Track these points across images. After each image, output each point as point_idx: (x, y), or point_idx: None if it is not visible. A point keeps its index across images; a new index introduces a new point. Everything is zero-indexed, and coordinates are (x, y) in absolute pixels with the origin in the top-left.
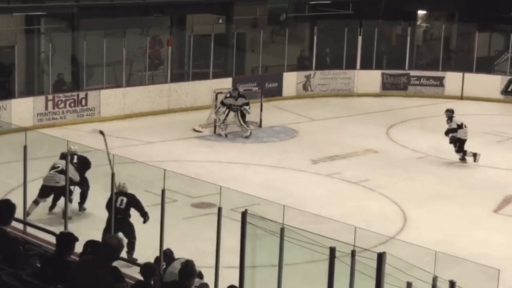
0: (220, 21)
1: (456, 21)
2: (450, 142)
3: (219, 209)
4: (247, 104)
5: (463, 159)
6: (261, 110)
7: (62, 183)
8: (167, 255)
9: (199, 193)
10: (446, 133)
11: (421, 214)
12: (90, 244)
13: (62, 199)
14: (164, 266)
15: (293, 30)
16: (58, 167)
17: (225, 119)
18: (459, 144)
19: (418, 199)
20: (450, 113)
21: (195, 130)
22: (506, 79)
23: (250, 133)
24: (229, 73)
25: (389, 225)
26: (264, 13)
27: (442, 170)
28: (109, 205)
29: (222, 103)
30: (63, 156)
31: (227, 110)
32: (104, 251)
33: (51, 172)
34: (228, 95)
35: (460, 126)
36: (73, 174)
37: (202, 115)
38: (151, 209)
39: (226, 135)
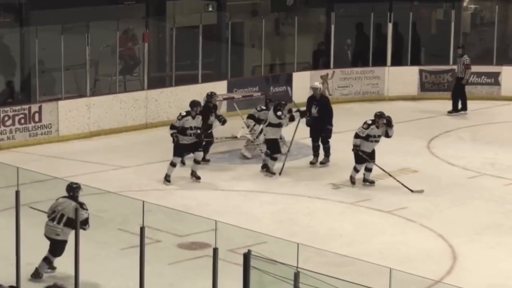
0: (210, 9)
1: None
2: None
3: (215, 250)
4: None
5: None
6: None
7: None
8: None
9: (189, 230)
10: None
11: (475, 251)
12: None
13: None
14: None
15: (304, 17)
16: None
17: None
18: None
19: (471, 231)
20: None
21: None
22: None
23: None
24: (223, 75)
25: (434, 265)
26: None
27: (501, 194)
28: None
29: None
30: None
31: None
32: None
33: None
34: (263, 106)
35: None
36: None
37: None
38: (127, 252)
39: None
